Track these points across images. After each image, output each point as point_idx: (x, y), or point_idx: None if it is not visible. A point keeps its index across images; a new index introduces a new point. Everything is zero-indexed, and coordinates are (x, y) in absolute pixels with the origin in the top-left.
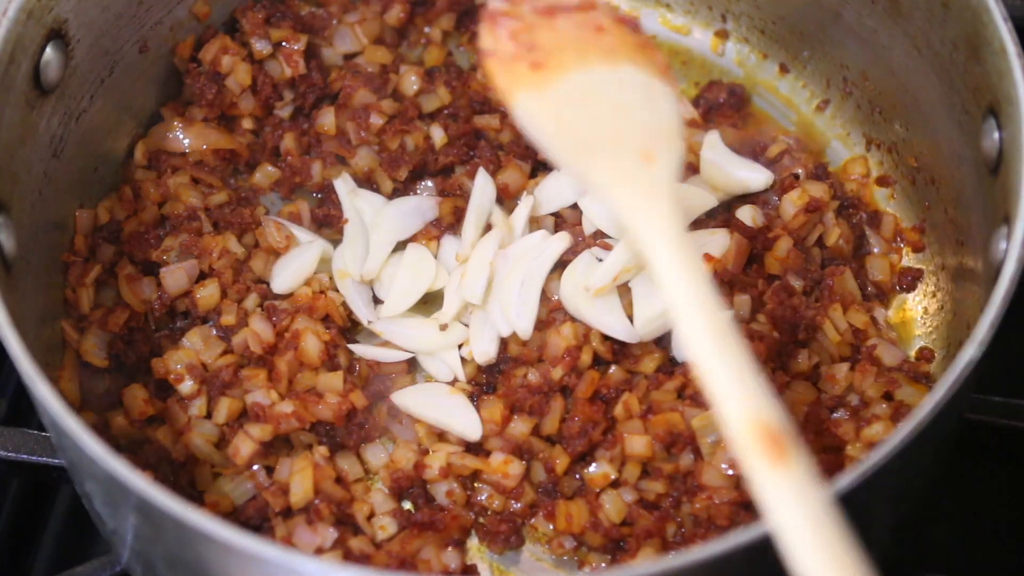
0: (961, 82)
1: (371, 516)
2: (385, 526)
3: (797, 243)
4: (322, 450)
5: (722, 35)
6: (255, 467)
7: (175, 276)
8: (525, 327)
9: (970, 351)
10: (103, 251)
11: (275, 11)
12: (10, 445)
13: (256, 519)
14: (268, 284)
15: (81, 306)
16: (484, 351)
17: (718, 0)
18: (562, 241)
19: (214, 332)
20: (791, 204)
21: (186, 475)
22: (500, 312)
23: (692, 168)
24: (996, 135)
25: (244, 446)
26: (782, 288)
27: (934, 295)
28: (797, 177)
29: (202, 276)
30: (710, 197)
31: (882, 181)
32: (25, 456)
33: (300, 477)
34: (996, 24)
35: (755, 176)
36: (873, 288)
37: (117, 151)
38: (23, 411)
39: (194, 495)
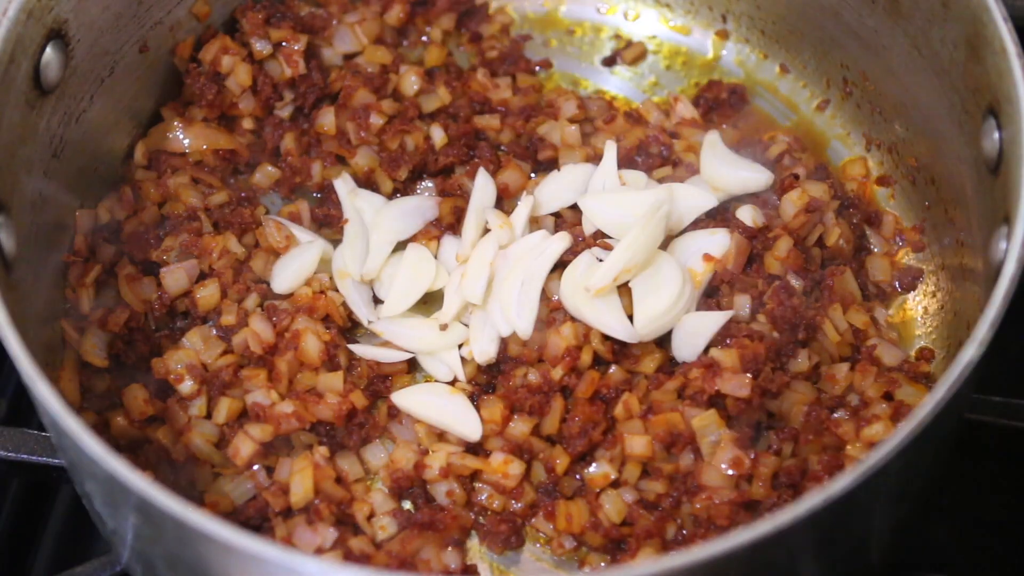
0: (961, 82)
1: (371, 516)
2: (385, 526)
3: (797, 243)
4: (322, 450)
5: (722, 35)
6: (255, 467)
7: (175, 276)
8: (525, 327)
9: (970, 351)
10: (103, 251)
11: (275, 11)
12: (10, 445)
13: (256, 519)
14: (268, 284)
15: (81, 306)
16: (484, 351)
17: (718, 0)
18: (562, 241)
19: (214, 332)
20: (791, 204)
21: (186, 475)
22: (500, 312)
23: (692, 168)
24: (996, 135)
25: (244, 446)
26: (782, 288)
27: (934, 295)
28: (797, 177)
29: (202, 276)
30: (710, 197)
31: (882, 181)
32: (25, 456)
33: (300, 477)
34: (996, 24)
35: (755, 176)
36: (873, 288)
37: (117, 151)
38: (23, 411)
39: (194, 495)
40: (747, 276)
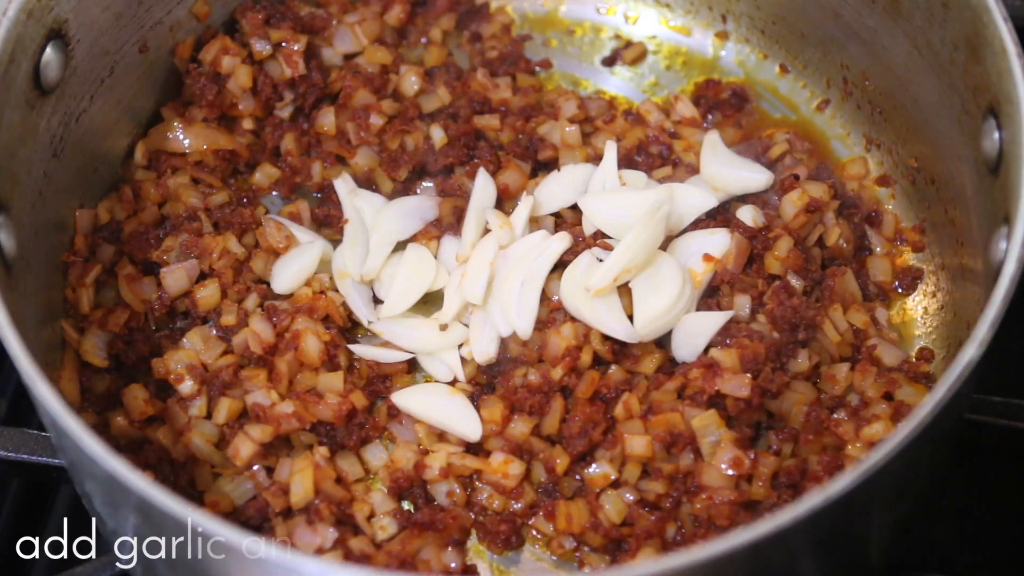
0: (961, 82)
1: (371, 516)
2: (385, 526)
3: (797, 243)
4: (322, 450)
5: (722, 36)
6: (255, 467)
7: (175, 276)
8: (525, 327)
9: (970, 351)
10: (103, 251)
11: (275, 11)
12: (10, 445)
13: (256, 519)
14: (268, 284)
15: (81, 306)
16: (484, 351)
17: (718, 1)
18: (562, 241)
19: (214, 332)
20: (791, 204)
21: (186, 475)
22: (500, 312)
23: (692, 168)
24: (996, 135)
25: (244, 447)
26: (782, 288)
27: (934, 295)
28: (797, 177)
29: (202, 276)
30: (710, 197)
31: (882, 181)
32: (25, 456)
33: (300, 477)
34: (996, 24)
35: (755, 176)
36: (874, 288)
37: (117, 151)
38: (23, 411)
39: (194, 495)
40: (747, 276)
